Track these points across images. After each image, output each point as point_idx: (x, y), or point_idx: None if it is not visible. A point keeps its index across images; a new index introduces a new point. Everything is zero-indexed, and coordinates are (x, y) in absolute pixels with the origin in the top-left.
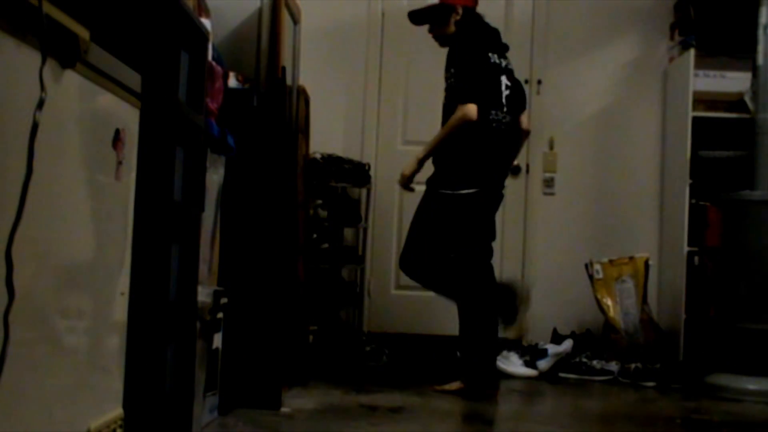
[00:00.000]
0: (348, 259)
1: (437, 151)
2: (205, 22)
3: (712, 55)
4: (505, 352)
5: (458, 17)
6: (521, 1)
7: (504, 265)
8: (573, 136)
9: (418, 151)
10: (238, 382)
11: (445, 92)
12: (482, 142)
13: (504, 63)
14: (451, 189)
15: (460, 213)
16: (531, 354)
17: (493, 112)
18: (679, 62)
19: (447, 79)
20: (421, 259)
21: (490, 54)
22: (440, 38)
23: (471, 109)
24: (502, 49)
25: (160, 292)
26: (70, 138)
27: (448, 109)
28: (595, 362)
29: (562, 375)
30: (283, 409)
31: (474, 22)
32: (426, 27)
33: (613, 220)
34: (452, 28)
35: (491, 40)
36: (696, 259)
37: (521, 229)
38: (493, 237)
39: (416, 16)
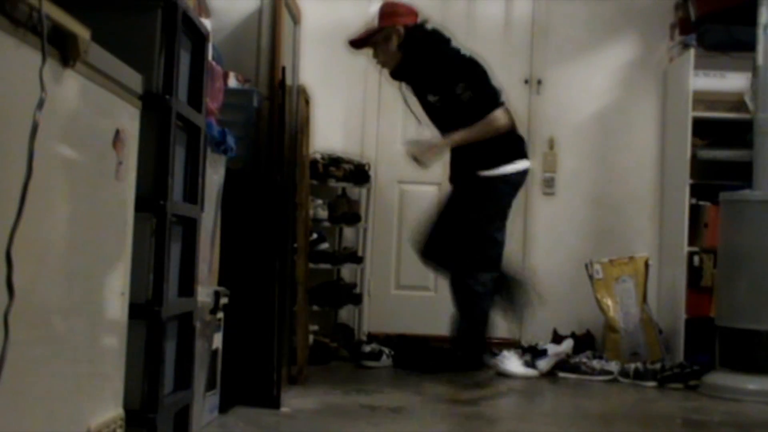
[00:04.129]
0: (348, 259)
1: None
2: (205, 22)
3: (712, 55)
4: (505, 352)
5: (401, 38)
6: (521, 1)
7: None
8: (573, 136)
9: (441, 141)
10: (238, 382)
11: (433, 109)
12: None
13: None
14: (496, 169)
15: (507, 192)
16: (531, 354)
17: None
18: (679, 62)
19: (455, 96)
20: (464, 249)
21: (461, 51)
22: (388, 63)
23: (501, 115)
24: (450, 40)
25: (160, 291)
26: (70, 138)
27: (451, 121)
28: (595, 362)
29: (562, 375)
30: (283, 409)
31: (422, 36)
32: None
33: (613, 220)
34: (395, 50)
35: (442, 39)
36: (696, 259)
37: (521, 229)
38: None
39: (357, 42)
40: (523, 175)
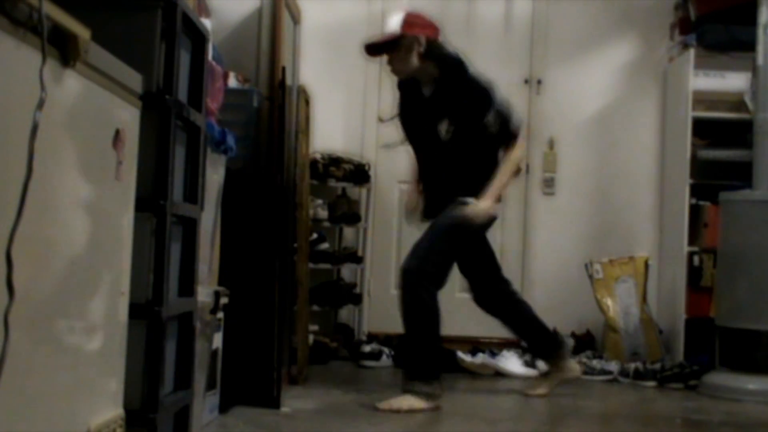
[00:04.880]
0: (348, 259)
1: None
2: (205, 22)
3: (712, 55)
4: (505, 352)
5: (421, 49)
6: (521, 1)
7: (504, 265)
8: (573, 136)
9: (488, 197)
10: (238, 382)
11: (452, 136)
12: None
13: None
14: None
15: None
16: (531, 354)
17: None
18: (679, 62)
19: (481, 126)
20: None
21: (486, 81)
22: (402, 72)
23: (522, 149)
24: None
25: (160, 291)
26: (70, 138)
27: (475, 150)
28: (595, 362)
29: None
30: (283, 409)
31: (458, 58)
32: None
33: (613, 220)
34: (415, 60)
35: (468, 64)
36: (696, 259)
37: (521, 229)
38: None
39: (374, 48)
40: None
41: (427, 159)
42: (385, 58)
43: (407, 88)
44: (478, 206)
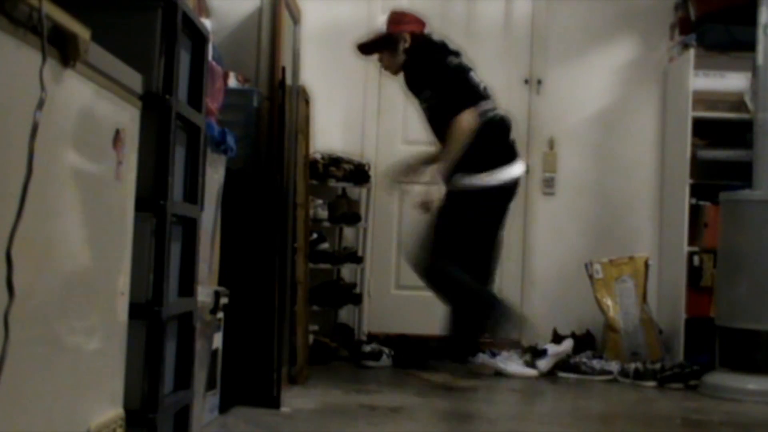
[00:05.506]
0: (348, 259)
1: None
2: (205, 22)
3: (712, 55)
4: (505, 352)
5: (407, 45)
6: (521, 2)
7: (504, 265)
8: (573, 136)
9: (437, 168)
10: (238, 382)
11: (426, 112)
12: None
13: (465, 62)
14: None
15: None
16: (531, 354)
17: (482, 103)
18: (679, 62)
19: (424, 101)
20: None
21: (450, 59)
22: (391, 68)
23: (468, 117)
24: (458, 53)
25: (160, 291)
26: (70, 138)
27: (439, 124)
28: (595, 362)
29: (562, 375)
30: (283, 409)
31: (424, 43)
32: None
33: (613, 220)
34: (401, 56)
35: (445, 48)
36: (696, 259)
37: (521, 229)
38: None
39: (365, 48)
40: (505, 187)
41: (432, 131)
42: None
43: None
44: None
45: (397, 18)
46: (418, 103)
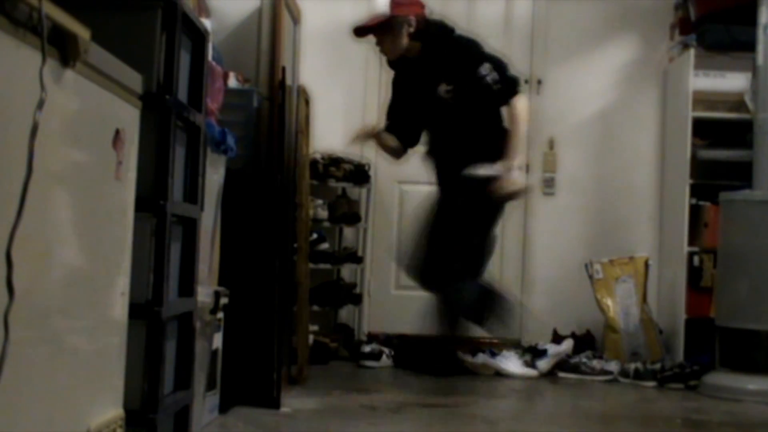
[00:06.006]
0: (348, 259)
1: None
2: (205, 22)
3: (712, 55)
4: (505, 352)
5: (411, 29)
6: (521, 2)
7: (504, 265)
8: (573, 136)
9: (513, 162)
10: (238, 382)
11: (449, 100)
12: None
13: None
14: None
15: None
16: (531, 354)
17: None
18: (679, 62)
19: (477, 79)
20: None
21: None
22: (393, 52)
23: (526, 102)
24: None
25: (160, 291)
26: (70, 138)
27: (462, 114)
28: (595, 362)
29: (562, 375)
30: (283, 409)
31: (443, 24)
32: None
33: (613, 220)
34: (406, 39)
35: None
36: (696, 259)
37: (521, 229)
38: None
39: (362, 31)
40: None
41: (436, 128)
42: (373, 39)
43: (398, 64)
44: (511, 177)
45: (399, 0)
46: (432, 92)
